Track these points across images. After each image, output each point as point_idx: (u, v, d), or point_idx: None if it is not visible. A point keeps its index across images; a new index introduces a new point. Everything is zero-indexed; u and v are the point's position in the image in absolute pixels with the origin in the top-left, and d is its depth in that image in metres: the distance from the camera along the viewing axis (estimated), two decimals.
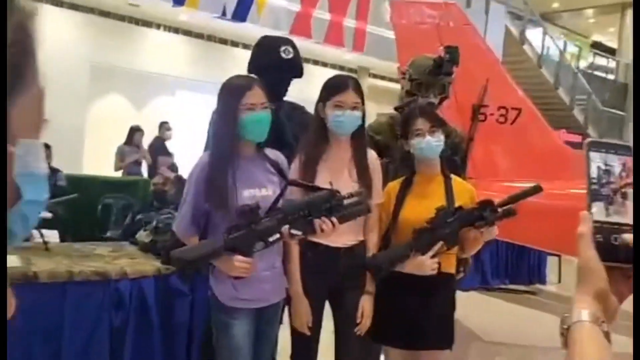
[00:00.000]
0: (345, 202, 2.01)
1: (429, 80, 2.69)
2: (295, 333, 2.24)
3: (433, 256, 2.14)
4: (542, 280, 6.59)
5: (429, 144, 2.23)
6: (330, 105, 2.22)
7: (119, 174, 7.12)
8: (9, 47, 0.41)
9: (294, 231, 1.95)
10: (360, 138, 2.30)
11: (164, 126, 7.93)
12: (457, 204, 2.22)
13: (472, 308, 4.84)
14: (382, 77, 11.77)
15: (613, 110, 13.56)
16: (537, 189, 2.25)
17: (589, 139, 0.75)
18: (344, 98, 2.21)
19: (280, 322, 2.30)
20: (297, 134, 2.44)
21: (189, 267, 1.83)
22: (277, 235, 1.92)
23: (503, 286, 6.21)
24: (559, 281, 6.81)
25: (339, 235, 2.21)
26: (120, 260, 2.72)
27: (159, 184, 3.50)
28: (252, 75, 2.26)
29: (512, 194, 2.24)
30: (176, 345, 2.66)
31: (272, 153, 2.18)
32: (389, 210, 2.29)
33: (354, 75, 4.26)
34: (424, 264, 2.14)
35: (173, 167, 6.63)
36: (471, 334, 4.45)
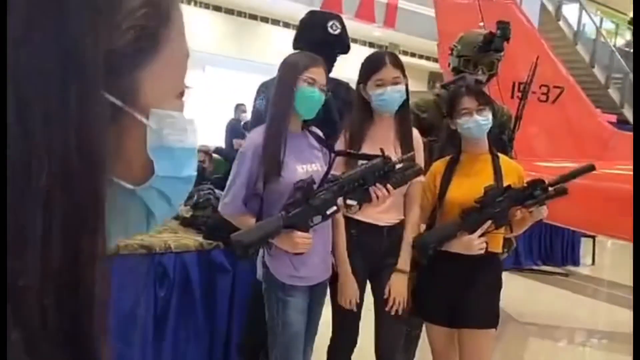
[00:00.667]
0: (397, 167, 2.01)
1: (478, 57, 2.63)
2: (337, 310, 2.25)
3: (481, 235, 2.12)
4: (576, 262, 6.51)
5: (477, 122, 2.19)
6: (370, 84, 2.20)
7: None
8: (141, 7, 0.38)
9: (349, 201, 1.95)
10: (404, 114, 2.27)
11: (239, 108, 7.56)
12: (505, 183, 2.18)
13: (504, 288, 4.81)
14: (413, 54, 11.59)
15: None
16: (589, 168, 2.20)
17: None
18: (383, 75, 2.18)
19: None
20: (342, 110, 2.42)
21: (251, 249, 1.85)
22: (335, 208, 1.92)
23: (535, 267, 6.16)
24: (593, 263, 6.72)
25: (382, 213, 2.20)
26: (164, 234, 2.75)
27: (198, 160, 3.50)
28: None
29: (564, 173, 2.19)
30: (218, 319, 2.70)
31: (313, 129, 2.17)
32: (434, 190, 2.27)
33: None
34: (472, 244, 2.12)
35: None
36: (504, 314, 4.42)
